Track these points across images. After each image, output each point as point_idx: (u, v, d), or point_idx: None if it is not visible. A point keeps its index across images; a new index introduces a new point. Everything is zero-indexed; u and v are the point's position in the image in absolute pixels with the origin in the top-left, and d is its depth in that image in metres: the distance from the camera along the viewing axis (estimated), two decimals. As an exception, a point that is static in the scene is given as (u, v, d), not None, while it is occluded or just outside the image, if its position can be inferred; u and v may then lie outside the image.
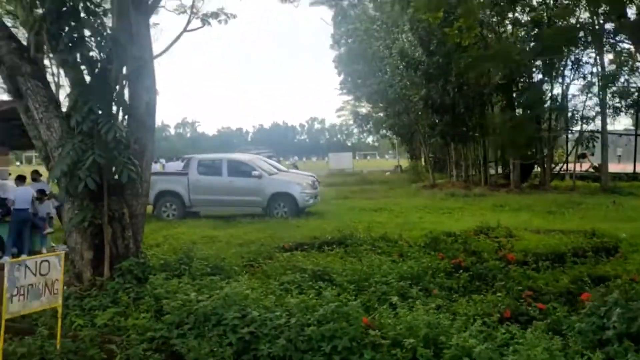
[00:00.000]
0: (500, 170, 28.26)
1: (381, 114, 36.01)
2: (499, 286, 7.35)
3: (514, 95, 24.81)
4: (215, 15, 13.01)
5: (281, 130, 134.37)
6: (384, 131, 38.72)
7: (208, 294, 6.36)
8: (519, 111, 24.92)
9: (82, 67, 7.50)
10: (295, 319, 5.35)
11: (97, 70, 7.53)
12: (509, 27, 25.66)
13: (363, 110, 41.70)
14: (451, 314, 5.95)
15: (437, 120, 25.91)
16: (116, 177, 7.62)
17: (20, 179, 11.07)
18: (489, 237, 10.95)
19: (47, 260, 5.33)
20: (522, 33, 24.96)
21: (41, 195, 11.27)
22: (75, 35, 6.86)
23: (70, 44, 6.88)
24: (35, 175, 11.89)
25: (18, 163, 53.61)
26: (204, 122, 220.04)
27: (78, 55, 7.04)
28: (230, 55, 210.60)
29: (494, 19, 24.16)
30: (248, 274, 8.31)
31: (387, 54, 27.36)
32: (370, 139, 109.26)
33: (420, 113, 27.67)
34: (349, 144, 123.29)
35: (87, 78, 7.74)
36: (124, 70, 7.81)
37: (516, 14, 24.44)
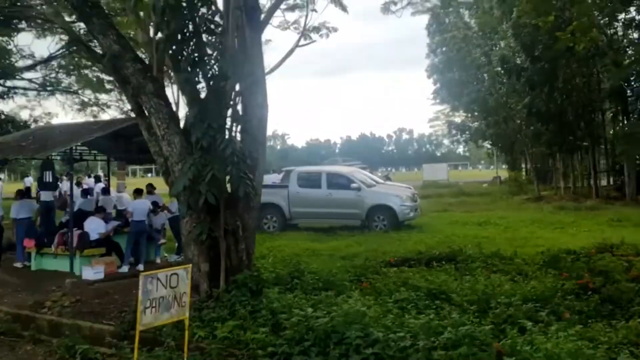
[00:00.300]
0: (611, 181, 26.19)
1: (476, 124, 34.81)
2: (637, 311, 6.68)
3: (629, 101, 22.98)
4: (317, 29, 13.06)
5: (369, 141, 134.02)
6: (481, 141, 37.32)
7: (325, 310, 6.29)
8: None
9: (200, 84, 7.76)
10: (423, 341, 5.10)
11: (213, 87, 7.76)
12: (619, 28, 23.87)
13: (457, 120, 40.57)
14: (590, 341, 5.45)
15: (542, 129, 24.51)
16: (231, 191, 7.83)
17: (138, 192, 11.69)
18: (614, 255, 10.06)
19: (176, 273, 5.47)
20: (636, 34, 23.13)
21: (155, 207, 11.84)
22: (197, 54, 7.09)
23: (191, 63, 7.12)
24: (150, 189, 12.49)
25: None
26: (293, 134, 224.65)
27: (200, 73, 7.25)
28: (319, 67, 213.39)
29: (602, 20, 22.57)
30: (357, 289, 8.17)
31: (486, 62, 26.41)
32: (460, 149, 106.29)
33: (522, 122, 26.36)
34: (438, 154, 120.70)
35: (201, 95, 8.05)
36: (237, 86, 8.00)
37: (629, 14, 22.68)
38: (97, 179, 19.82)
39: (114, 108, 24.45)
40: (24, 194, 12.48)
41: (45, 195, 14.17)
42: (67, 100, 24.83)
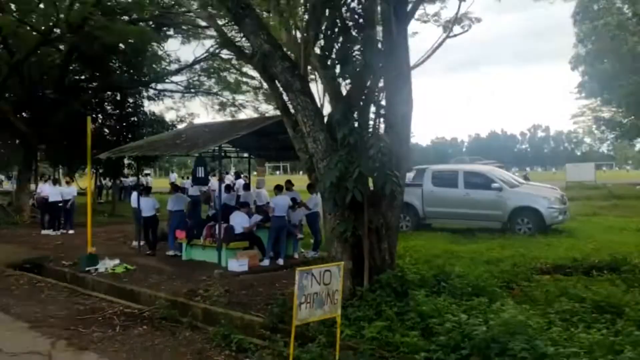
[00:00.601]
0: None
1: (629, 119, 31.30)
2: None
3: None
4: (459, 21, 12.41)
5: (499, 139, 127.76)
6: (636, 138, 33.51)
7: (481, 318, 5.91)
8: None
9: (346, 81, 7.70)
10: (603, 360, 4.54)
11: (358, 83, 7.65)
12: None
13: (605, 115, 36.72)
14: None
15: None
16: (375, 188, 7.71)
17: (278, 188, 12.03)
18: None
19: (329, 270, 5.43)
20: None
21: (294, 203, 12.09)
22: (346, 50, 7.03)
23: (340, 59, 7.08)
24: (289, 185, 12.79)
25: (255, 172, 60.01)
26: (417, 132, 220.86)
27: (347, 69, 7.19)
28: (447, 61, 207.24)
29: None
30: (509, 296, 7.61)
31: (644, 50, 23.64)
32: (604, 148, 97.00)
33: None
34: (578, 153, 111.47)
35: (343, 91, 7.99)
36: (381, 82, 7.83)
37: None
38: (237, 175, 20.88)
39: (250, 108, 25.63)
40: (177, 188, 13.45)
41: (193, 190, 15.22)
42: (209, 101, 26.50)
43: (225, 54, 22.82)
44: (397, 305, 6.76)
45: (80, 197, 19.15)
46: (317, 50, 8.03)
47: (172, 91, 26.23)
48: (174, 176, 40.69)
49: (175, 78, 25.48)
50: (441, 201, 15.26)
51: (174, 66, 24.51)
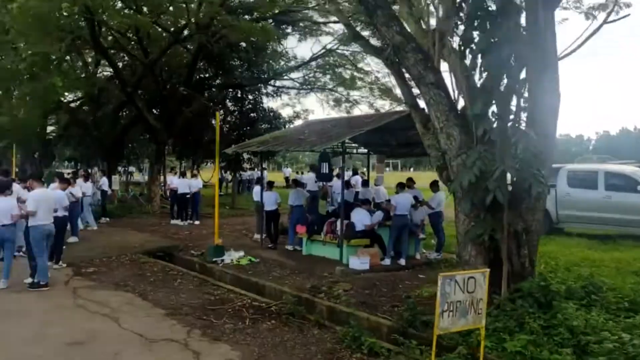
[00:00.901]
0: None
1: None
2: None
3: None
4: (604, 7, 11.33)
5: (632, 136, 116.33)
6: None
7: (647, 339, 5.18)
8: None
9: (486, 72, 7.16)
10: None
11: (499, 74, 7.08)
12: None
13: None
14: None
15: None
16: (515, 189, 7.12)
17: (401, 186, 11.65)
18: None
19: (473, 277, 5.03)
20: None
21: (416, 202, 11.65)
22: (490, 39, 6.51)
23: (483, 49, 6.58)
24: (410, 183, 12.37)
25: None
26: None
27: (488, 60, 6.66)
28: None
29: None
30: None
31: None
32: None
33: None
34: None
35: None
36: (524, 73, 7.18)
37: None
38: (355, 172, 20.78)
39: (364, 104, 25.42)
40: (298, 183, 13.56)
41: (312, 185, 15.29)
42: (324, 97, 26.66)
43: (341, 49, 22.82)
44: (542, 317, 6.18)
45: (203, 189, 20.07)
46: (454, 41, 7.58)
47: (288, 88, 26.73)
48: (288, 171, 41.75)
49: (292, 75, 25.97)
50: (578, 204, 13.92)
51: (291, 63, 24.97)
